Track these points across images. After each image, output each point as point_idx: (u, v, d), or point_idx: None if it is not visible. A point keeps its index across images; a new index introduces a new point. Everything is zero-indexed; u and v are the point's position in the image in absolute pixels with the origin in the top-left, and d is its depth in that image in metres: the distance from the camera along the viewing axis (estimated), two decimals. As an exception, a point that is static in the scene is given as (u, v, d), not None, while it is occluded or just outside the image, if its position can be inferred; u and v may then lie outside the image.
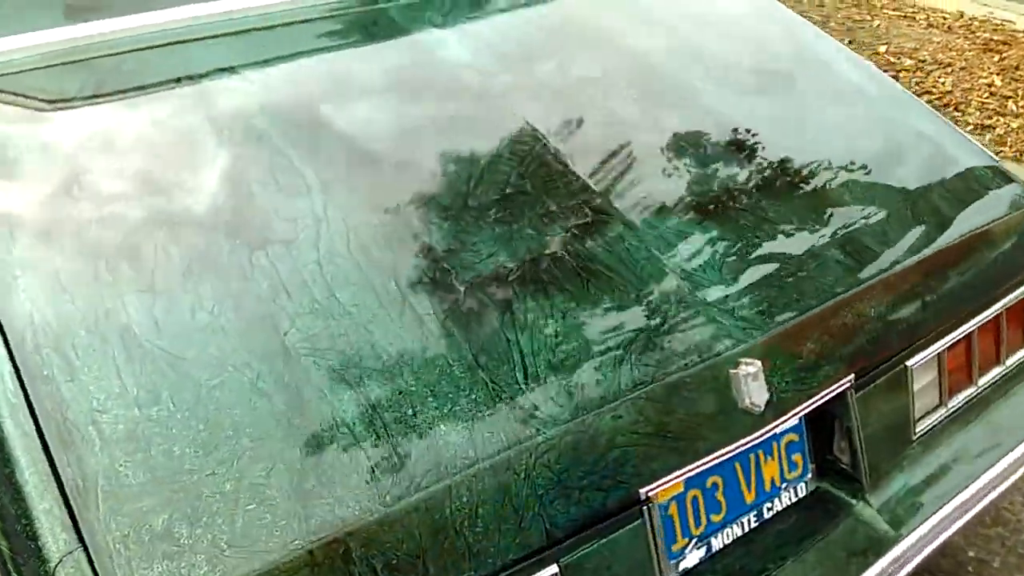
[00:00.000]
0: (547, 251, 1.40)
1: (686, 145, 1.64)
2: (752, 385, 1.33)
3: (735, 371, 1.32)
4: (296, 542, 1.03)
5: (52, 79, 1.54)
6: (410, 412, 1.16)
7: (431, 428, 1.15)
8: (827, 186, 1.63)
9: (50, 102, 1.53)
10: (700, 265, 1.43)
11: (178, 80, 1.57)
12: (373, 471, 1.10)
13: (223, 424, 1.10)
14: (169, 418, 1.10)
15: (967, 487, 1.59)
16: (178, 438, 1.08)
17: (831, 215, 1.58)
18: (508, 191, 1.48)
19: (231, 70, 1.61)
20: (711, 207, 1.54)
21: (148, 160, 1.42)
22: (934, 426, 1.63)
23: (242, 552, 1.01)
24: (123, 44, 1.61)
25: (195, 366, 1.15)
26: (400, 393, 1.18)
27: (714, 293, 1.39)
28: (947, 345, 1.62)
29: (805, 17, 2.14)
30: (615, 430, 1.23)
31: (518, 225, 1.43)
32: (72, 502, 1.02)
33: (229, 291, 1.25)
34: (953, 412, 1.66)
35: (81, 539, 0.99)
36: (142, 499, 1.03)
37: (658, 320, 1.34)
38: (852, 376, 1.47)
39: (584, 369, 1.26)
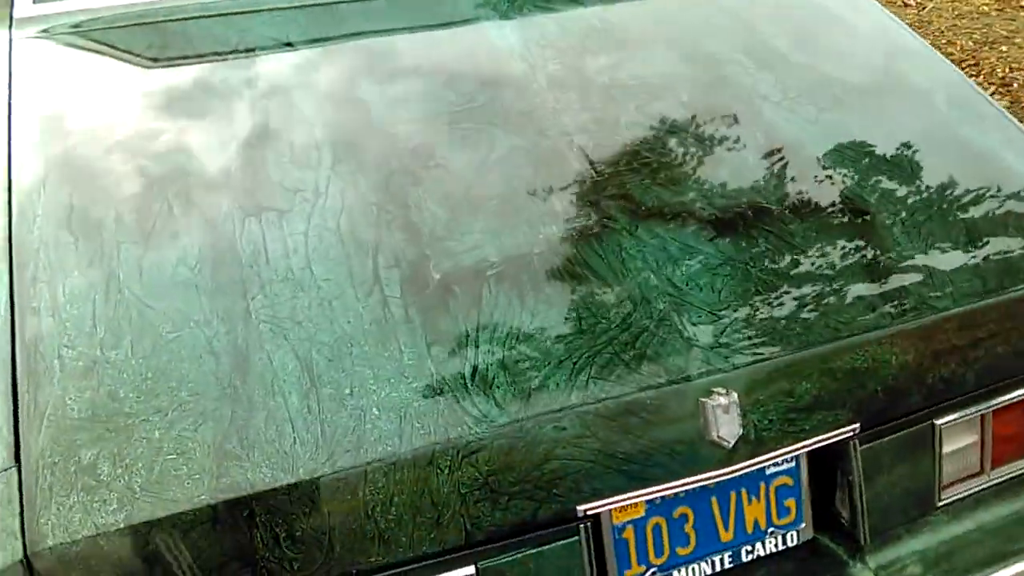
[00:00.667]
0: (536, 250, 1.36)
1: (715, 155, 1.55)
2: (723, 417, 1.24)
3: (706, 400, 1.24)
4: (202, 497, 1.07)
5: (124, 38, 1.66)
6: (347, 392, 1.17)
7: (363, 410, 1.16)
8: (873, 213, 1.49)
9: (117, 59, 1.65)
10: (695, 284, 1.34)
11: (234, 50, 1.65)
12: (295, 442, 1.12)
13: (170, 375, 1.16)
14: (124, 362, 1.17)
15: (993, 571, 1.41)
16: (126, 382, 1.15)
17: (870, 246, 1.44)
18: (515, 184, 1.45)
19: (289, 44, 1.68)
20: (729, 224, 1.44)
21: (177, 121, 1.50)
22: (969, 495, 1.46)
23: (151, 497, 1.07)
24: (191, 11, 1.71)
25: (161, 317, 1.22)
26: (343, 371, 1.19)
27: (701, 315, 1.31)
28: (996, 407, 1.45)
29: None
30: (555, 441, 1.19)
31: (515, 220, 1.40)
32: (20, 425, 1.11)
33: (214, 251, 1.31)
34: (997, 483, 1.48)
35: (17, 459, 1.08)
36: (79, 433, 1.10)
37: (632, 334, 1.27)
38: (857, 426, 1.34)
39: (537, 374, 1.22)
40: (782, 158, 1.56)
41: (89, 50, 1.64)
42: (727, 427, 1.24)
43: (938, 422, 1.40)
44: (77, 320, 1.21)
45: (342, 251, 1.32)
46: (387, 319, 1.25)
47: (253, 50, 1.66)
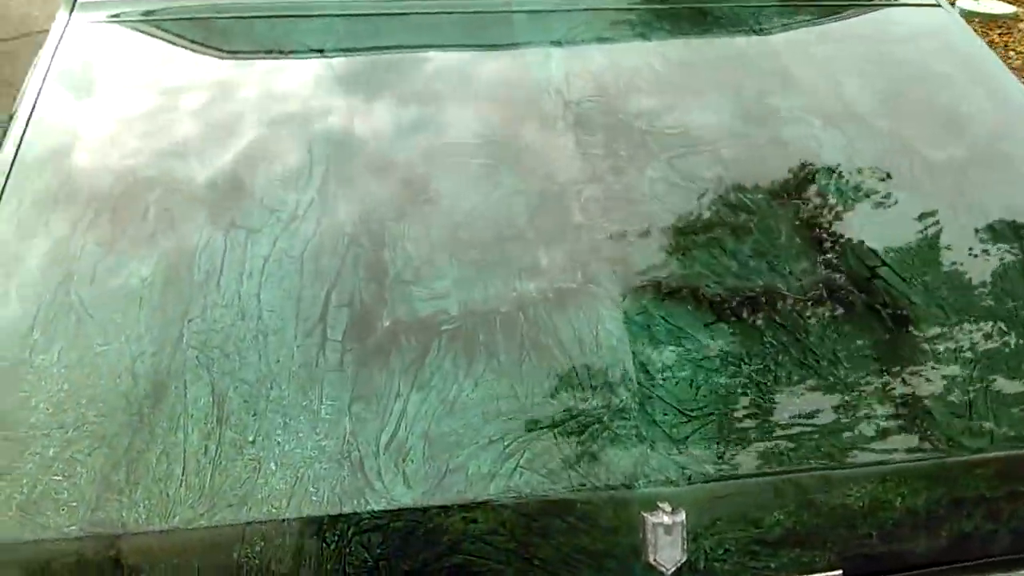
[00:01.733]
0: (503, 308, 1.23)
1: (742, 226, 1.35)
2: (663, 538, 1.07)
3: (647, 515, 1.07)
4: (72, 528, 1.03)
5: (163, 32, 1.66)
6: (251, 439, 1.10)
7: (260, 462, 1.08)
8: (915, 321, 1.25)
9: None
10: (673, 374, 1.17)
11: (263, 53, 1.61)
12: (181, 485, 1.06)
13: (84, 390, 1.13)
14: (47, 369, 1.15)
15: None
16: (42, 390, 1.13)
17: (901, 360, 1.22)
18: (504, 232, 1.33)
19: (320, 51, 1.62)
20: (735, 309, 1.25)
21: (184, 123, 1.48)
22: None
23: (24, 517, 1.03)
24: (231, 10, 1.68)
25: (96, 328, 1.19)
26: (254, 415, 1.11)
27: (668, 412, 1.14)
28: None
29: None
30: (463, 534, 1.06)
31: (491, 272, 1.27)
32: None
33: (171, 266, 1.26)
34: None
35: None
36: None
37: (580, 422, 1.12)
38: (839, 573, 1.13)
39: (460, 453, 1.10)
40: (820, 241, 1.35)
41: (129, 41, 1.65)
42: (667, 551, 1.07)
43: None
44: (18, 318, 1.20)
45: (297, 282, 1.25)
46: (318, 364, 1.16)
47: (283, 54, 1.62)
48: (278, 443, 1.09)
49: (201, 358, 1.16)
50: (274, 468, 1.07)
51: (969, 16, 5.60)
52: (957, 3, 5.72)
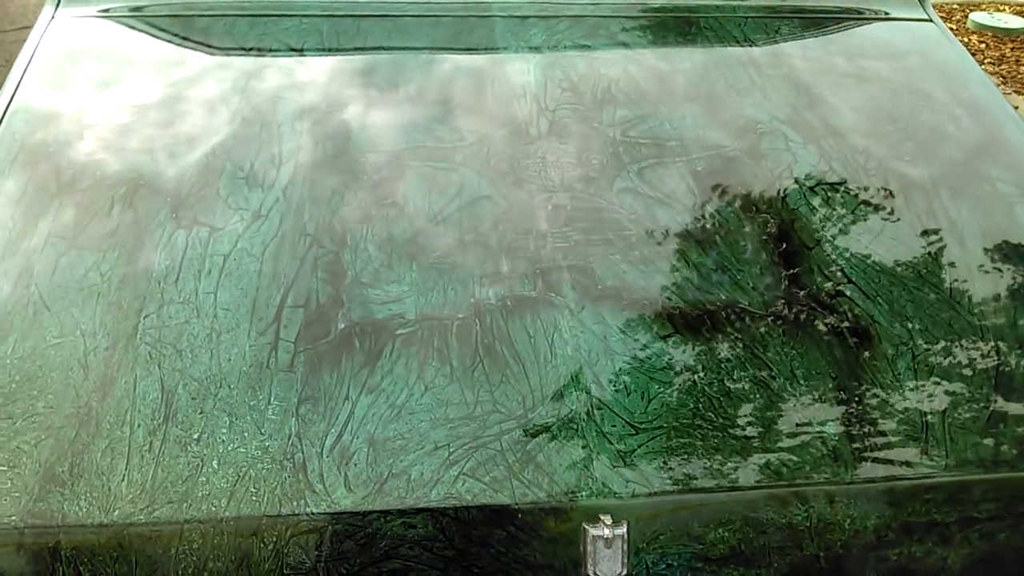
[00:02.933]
0: (460, 314, 1.23)
1: (709, 238, 1.34)
2: (603, 552, 1.06)
3: (588, 527, 1.07)
4: (12, 518, 1.03)
5: (144, 27, 1.67)
6: (196, 436, 1.10)
7: (203, 460, 1.08)
8: (877, 339, 1.24)
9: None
10: (625, 386, 1.17)
11: (242, 51, 1.62)
12: (123, 480, 1.06)
13: (36, 382, 1.13)
14: (1, 360, 1.15)
15: None
16: None
17: (861, 379, 1.20)
18: (468, 238, 1.33)
19: (298, 51, 1.62)
20: (694, 322, 1.24)
21: (157, 118, 1.48)
22: None
23: (-35, 507, 1.04)
24: (218, 8, 1.69)
25: (53, 320, 1.19)
26: (201, 413, 1.12)
27: (617, 424, 1.13)
28: None
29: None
30: (401, 539, 1.06)
31: (451, 277, 1.27)
32: None
33: (131, 261, 1.27)
34: None
35: None
36: None
37: (527, 431, 1.12)
38: None
39: (403, 458, 1.09)
40: (786, 256, 1.34)
41: (111, 36, 1.66)
42: (607, 564, 1.07)
43: None
44: None
45: (254, 282, 1.25)
46: (270, 364, 1.16)
47: (262, 53, 1.62)
48: (222, 442, 1.10)
49: (153, 354, 1.17)
50: (216, 467, 1.08)
51: (981, 30, 5.55)
52: (971, 17, 5.67)
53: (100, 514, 1.04)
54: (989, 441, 1.17)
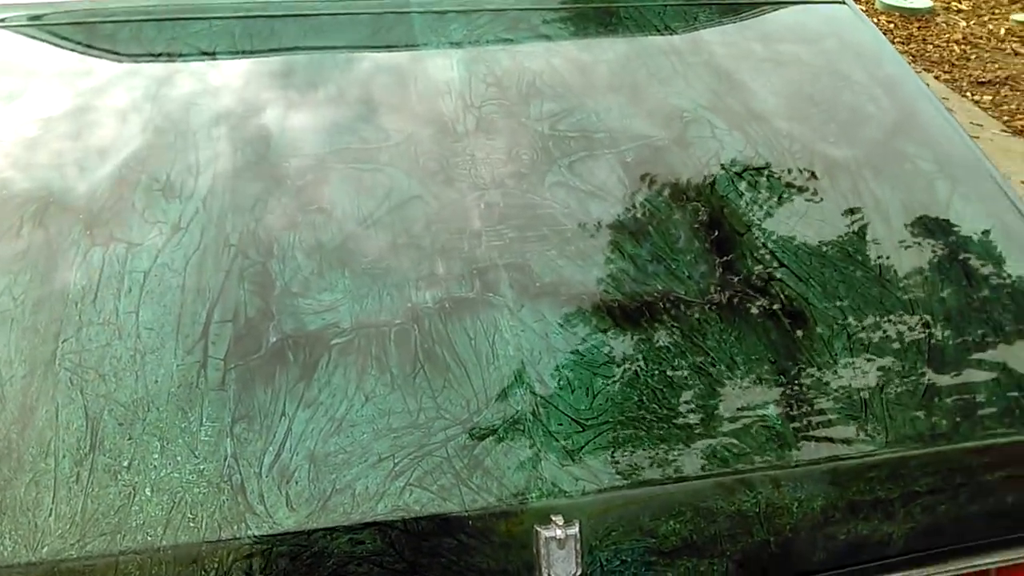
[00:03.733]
0: (397, 320, 1.20)
1: (642, 229, 1.34)
2: (557, 553, 1.05)
3: (540, 530, 1.05)
4: None
5: (41, 35, 1.59)
6: (126, 464, 1.05)
7: (136, 488, 1.03)
8: (811, 322, 1.26)
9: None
10: (568, 383, 1.15)
11: (152, 56, 1.55)
12: (50, 515, 1.00)
13: None
14: None
15: None
16: None
17: (796, 361, 1.22)
18: (400, 241, 1.29)
19: (211, 55, 1.56)
20: (634, 314, 1.24)
21: (63, 130, 1.41)
22: None
23: None
24: (123, 14, 1.61)
25: None
26: (130, 439, 1.06)
27: (563, 422, 1.12)
28: None
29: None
30: (349, 556, 1.03)
31: (385, 283, 1.24)
32: None
33: (46, 283, 1.20)
34: None
35: None
36: None
37: (473, 436, 1.10)
38: None
39: (347, 473, 1.06)
40: (720, 242, 1.35)
41: (13, 46, 1.57)
42: (561, 565, 1.05)
43: None
44: None
45: (178, 298, 1.20)
46: (199, 383, 1.12)
47: (172, 58, 1.55)
48: (154, 468, 1.05)
49: (74, 380, 1.11)
50: (150, 494, 1.03)
51: (889, 11, 5.73)
52: (878, -1, 5.85)
53: (27, 552, 0.98)
54: (926, 415, 1.20)
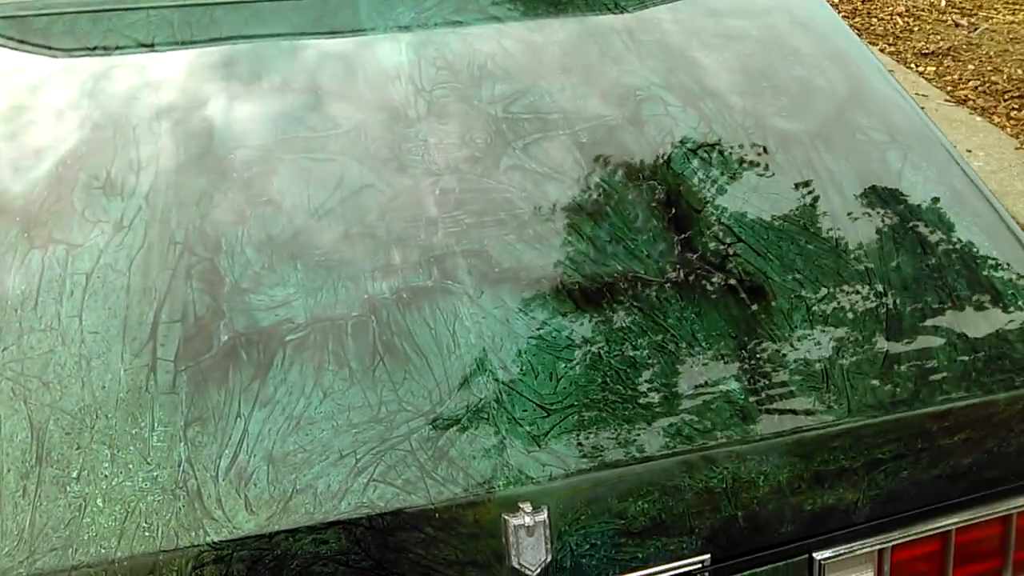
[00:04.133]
0: (354, 313, 1.17)
1: (599, 209, 1.33)
2: (526, 540, 1.04)
3: (508, 518, 1.04)
4: None
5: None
6: (75, 475, 1.01)
7: (86, 499, 0.99)
8: (770, 296, 1.25)
9: None
10: (531, 368, 1.14)
11: (87, 50, 1.49)
12: (-4, 534, 0.96)
13: None
14: None
15: None
16: None
17: (756, 335, 1.21)
18: (353, 230, 1.26)
19: (148, 46, 1.51)
20: (594, 296, 1.22)
21: (3, 128, 1.35)
22: None
23: None
24: (56, 7, 1.55)
25: None
26: (78, 448, 1.02)
27: (527, 408, 1.10)
28: (898, 541, 1.21)
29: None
30: (314, 557, 1.00)
31: (340, 274, 1.21)
32: None
33: None
34: None
35: None
36: None
37: (436, 428, 1.08)
38: (707, 557, 1.12)
39: (308, 472, 1.03)
40: (677, 220, 1.34)
41: None
42: (531, 552, 1.04)
43: (817, 555, 1.17)
44: None
45: (123, 299, 1.15)
46: (148, 387, 1.08)
47: (108, 51, 1.50)
48: (105, 477, 1.01)
49: (16, 390, 1.06)
50: (101, 505, 0.99)
51: (834, -15, 5.77)
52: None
53: None
54: (885, 383, 1.20)
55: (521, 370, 1.14)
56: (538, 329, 1.18)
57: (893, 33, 5.04)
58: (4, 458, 1.01)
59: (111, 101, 1.41)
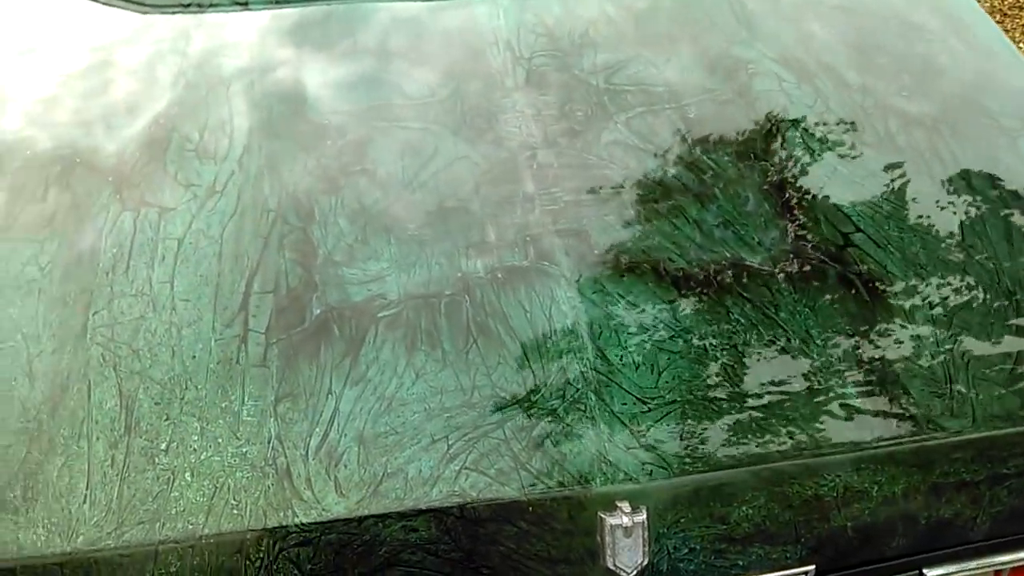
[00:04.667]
0: (448, 291, 1.12)
1: (709, 191, 1.25)
2: (623, 541, 0.98)
3: (605, 516, 0.98)
4: None
5: None
6: (163, 446, 0.98)
7: (175, 472, 0.96)
8: (892, 293, 1.16)
9: None
10: (633, 359, 1.07)
11: (185, 5, 1.46)
12: (85, 501, 0.94)
13: None
14: None
15: None
16: None
17: (877, 335, 1.13)
18: (448, 204, 1.21)
19: (243, 4, 1.47)
20: (701, 284, 1.15)
21: (85, 85, 1.33)
22: None
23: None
24: None
25: None
26: (167, 419, 1.00)
27: (628, 402, 1.04)
28: (1018, 564, 1.13)
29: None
30: (403, 544, 0.96)
31: (433, 250, 1.16)
32: None
33: (73, 251, 1.13)
34: None
35: None
36: None
37: (532, 417, 1.03)
38: (812, 568, 1.05)
39: (399, 455, 0.99)
40: (790, 206, 1.25)
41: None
42: (627, 554, 0.98)
43: (930, 573, 1.09)
44: None
45: (215, 267, 1.12)
46: (240, 359, 1.05)
47: (202, 8, 1.46)
48: (194, 451, 0.98)
49: (107, 356, 1.04)
50: (190, 479, 0.96)
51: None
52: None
53: (62, 542, 0.92)
54: (1014, 392, 1.11)
55: (621, 360, 1.08)
56: (639, 317, 1.12)
57: (1001, 10, 4.74)
58: (93, 426, 0.99)
59: (202, 60, 1.37)
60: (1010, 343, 1.15)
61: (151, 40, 1.41)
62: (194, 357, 1.05)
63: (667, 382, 1.06)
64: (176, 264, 1.12)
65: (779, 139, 1.33)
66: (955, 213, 1.27)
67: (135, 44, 1.40)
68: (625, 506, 0.98)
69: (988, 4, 4.67)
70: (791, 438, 1.04)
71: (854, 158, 1.32)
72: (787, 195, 1.26)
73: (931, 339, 1.14)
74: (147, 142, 1.25)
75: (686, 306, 1.13)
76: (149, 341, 1.05)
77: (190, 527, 0.94)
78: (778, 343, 1.11)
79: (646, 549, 0.99)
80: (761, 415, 1.06)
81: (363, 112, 1.31)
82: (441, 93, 1.34)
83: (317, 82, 1.35)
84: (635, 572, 0.99)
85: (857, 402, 1.08)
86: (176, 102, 1.30)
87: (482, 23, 1.46)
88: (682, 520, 1.01)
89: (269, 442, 0.99)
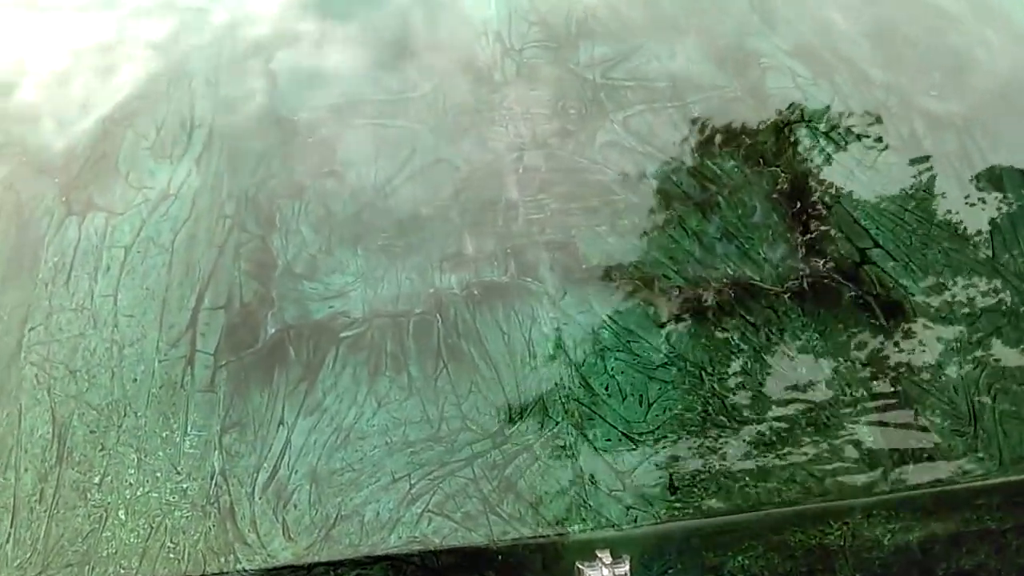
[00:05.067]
0: (418, 309, 1.02)
1: (711, 199, 1.13)
2: (602, 595, 0.88)
3: (583, 567, 0.88)
4: None
5: None
6: (96, 480, 0.89)
7: (107, 511, 0.88)
8: (914, 310, 1.05)
9: None
10: (619, 389, 0.97)
11: None
12: (8, 540, 0.86)
13: None
14: None
15: None
16: None
17: (896, 363, 1.02)
18: (423, 211, 1.11)
19: None
20: (698, 304, 1.04)
21: (37, 77, 1.23)
22: None
23: None
24: None
25: None
26: (102, 450, 0.91)
27: (612, 437, 0.94)
28: None
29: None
30: (357, 594, 0.87)
31: (404, 263, 1.06)
32: None
33: (8, 257, 1.04)
34: None
35: None
36: None
37: (505, 453, 0.93)
38: None
39: (355, 495, 0.90)
40: (802, 216, 1.14)
41: None
42: (607, 609, 0.89)
43: None
44: None
45: (163, 279, 1.03)
46: (184, 383, 0.95)
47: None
48: (129, 485, 0.89)
49: (41, 377, 0.95)
50: (124, 518, 0.87)
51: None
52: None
53: None
54: None
55: (606, 390, 0.97)
56: (629, 342, 1.01)
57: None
58: (23, 455, 0.90)
59: (166, 48, 1.27)
60: None
61: (112, 24, 1.31)
62: (135, 380, 0.95)
63: (657, 415, 0.96)
64: (121, 275, 1.03)
65: (791, 142, 1.21)
66: (985, 227, 1.15)
67: (93, 30, 1.30)
68: (606, 556, 0.88)
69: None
70: (795, 481, 0.94)
71: (874, 165, 1.20)
72: (798, 205, 1.14)
73: (953, 371, 1.02)
74: (98, 139, 1.15)
75: (681, 329, 1.02)
76: (87, 361, 0.96)
77: (122, 571, 0.85)
78: (783, 374, 1.00)
79: (628, 604, 0.89)
80: (760, 454, 0.95)
81: (337, 108, 1.21)
82: (422, 88, 1.24)
83: (287, 75, 1.25)
84: (615, 629, 0.89)
85: (869, 440, 0.97)
86: (133, 96, 1.21)
87: (470, 11, 1.35)
88: (670, 571, 0.91)
89: (212, 478, 0.90)
